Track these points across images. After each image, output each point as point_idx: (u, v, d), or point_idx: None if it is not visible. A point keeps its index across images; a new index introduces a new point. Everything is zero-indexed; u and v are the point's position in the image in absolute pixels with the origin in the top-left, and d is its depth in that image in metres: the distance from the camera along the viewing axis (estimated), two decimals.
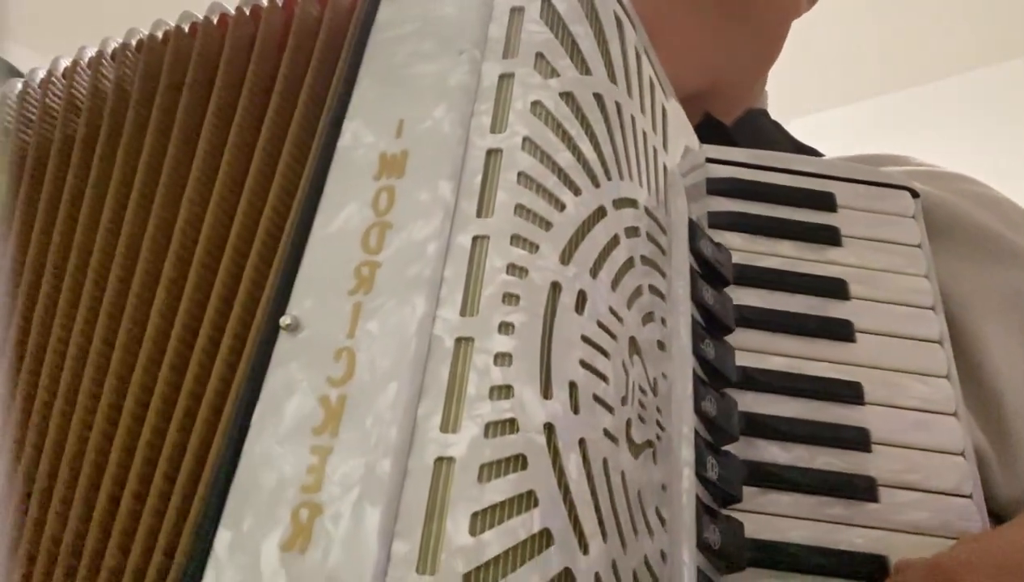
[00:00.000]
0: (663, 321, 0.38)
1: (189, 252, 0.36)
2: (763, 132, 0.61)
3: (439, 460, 0.26)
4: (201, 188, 0.37)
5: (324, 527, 0.25)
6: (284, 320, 0.29)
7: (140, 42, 0.45)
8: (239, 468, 0.27)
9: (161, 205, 0.37)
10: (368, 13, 0.38)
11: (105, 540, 0.31)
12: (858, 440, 0.44)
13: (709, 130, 0.57)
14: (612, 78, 0.37)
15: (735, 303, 0.46)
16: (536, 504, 0.26)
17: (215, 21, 0.42)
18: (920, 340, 0.48)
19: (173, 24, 0.44)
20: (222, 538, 0.26)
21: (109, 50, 0.46)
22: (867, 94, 2.46)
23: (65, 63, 0.47)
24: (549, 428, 0.27)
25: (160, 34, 0.44)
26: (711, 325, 0.43)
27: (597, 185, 0.34)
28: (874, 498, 0.42)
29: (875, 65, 2.37)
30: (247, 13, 0.41)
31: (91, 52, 0.47)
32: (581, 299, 0.31)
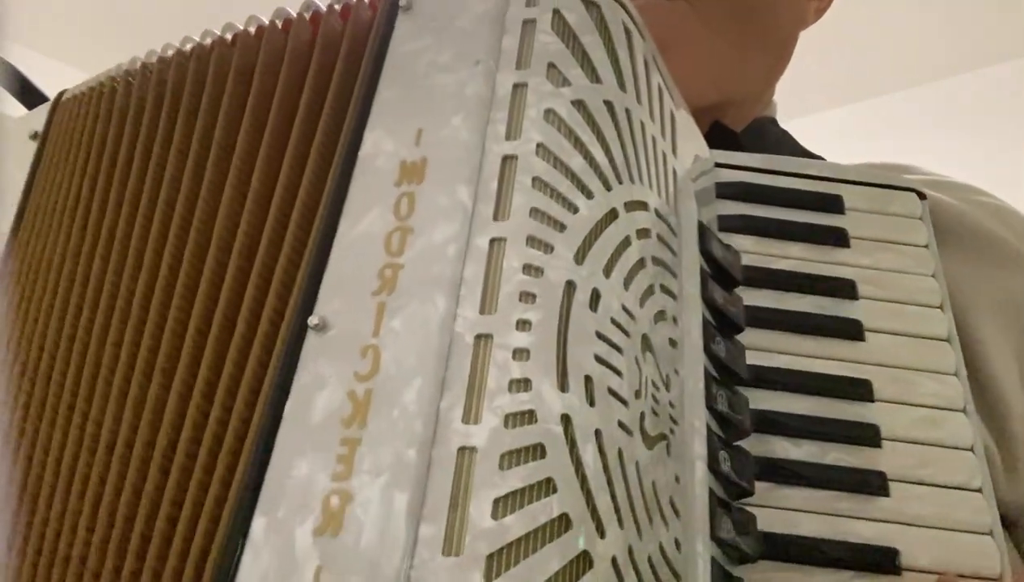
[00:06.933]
0: (675, 320, 0.39)
1: (220, 260, 0.37)
2: (770, 139, 0.62)
3: (462, 449, 0.27)
4: (234, 195, 0.39)
5: (354, 513, 0.26)
6: (312, 320, 0.31)
7: (191, 50, 0.46)
8: (272, 459, 0.28)
9: (197, 212, 0.39)
10: (386, 27, 0.39)
11: (151, 528, 0.33)
12: (868, 436, 0.45)
13: (718, 137, 0.58)
14: (622, 86, 0.38)
15: (746, 304, 0.47)
16: (555, 490, 0.27)
17: (252, 32, 0.44)
18: (929, 338, 0.49)
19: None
20: (258, 524, 0.27)
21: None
22: (867, 94, 2.47)
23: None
24: (566, 419, 0.28)
25: (208, 42, 0.45)
26: (722, 324, 0.44)
27: (609, 188, 0.35)
28: (885, 492, 0.43)
29: (875, 66, 2.38)
30: (279, 26, 0.43)
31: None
32: (595, 297, 0.32)
